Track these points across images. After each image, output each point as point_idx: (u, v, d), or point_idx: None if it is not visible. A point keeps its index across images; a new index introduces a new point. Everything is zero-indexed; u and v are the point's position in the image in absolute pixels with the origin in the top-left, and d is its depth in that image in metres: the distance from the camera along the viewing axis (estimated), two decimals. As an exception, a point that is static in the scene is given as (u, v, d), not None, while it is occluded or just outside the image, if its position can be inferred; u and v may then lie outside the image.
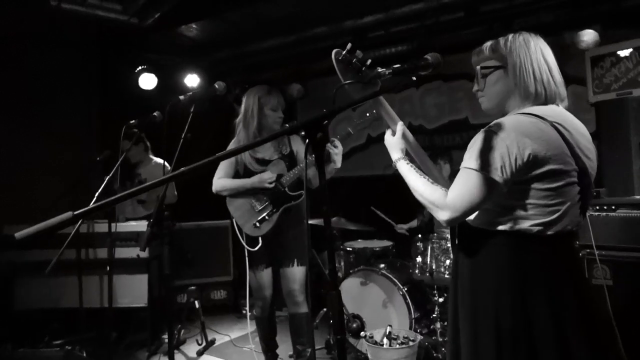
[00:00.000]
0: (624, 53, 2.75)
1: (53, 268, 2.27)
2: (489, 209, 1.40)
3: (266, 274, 2.90)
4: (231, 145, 2.90)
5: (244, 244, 2.83)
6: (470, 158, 1.35)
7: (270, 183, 2.77)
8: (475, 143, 1.36)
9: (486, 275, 1.41)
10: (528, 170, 1.31)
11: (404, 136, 1.63)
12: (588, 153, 1.41)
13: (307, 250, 2.91)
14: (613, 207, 2.55)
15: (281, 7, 3.88)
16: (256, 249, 2.79)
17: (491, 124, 1.38)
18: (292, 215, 2.84)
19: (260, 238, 2.79)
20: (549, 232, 1.35)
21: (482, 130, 1.38)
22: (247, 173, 2.84)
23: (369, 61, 1.45)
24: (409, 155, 1.62)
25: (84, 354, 3.28)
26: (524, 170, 1.31)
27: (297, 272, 2.83)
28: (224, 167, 2.89)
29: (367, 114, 2.53)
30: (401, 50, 4.34)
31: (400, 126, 1.62)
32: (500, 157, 1.30)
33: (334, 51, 1.45)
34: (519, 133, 1.30)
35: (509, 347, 1.34)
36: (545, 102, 1.42)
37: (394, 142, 1.61)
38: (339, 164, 2.54)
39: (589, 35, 3.33)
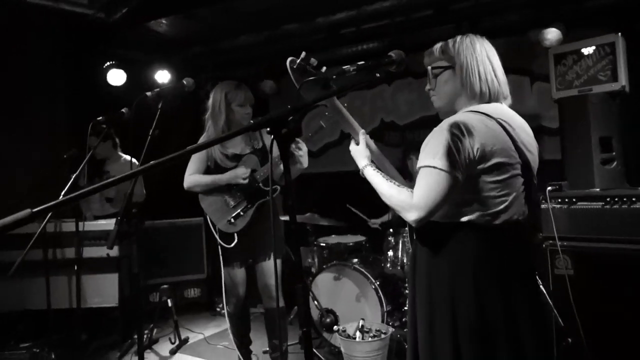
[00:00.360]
0: (586, 51, 2.83)
1: (17, 269, 2.21)
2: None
3: (240, 272, 2.88)
4: (201, 141, 2.86)
5: (219, 240, 2.79)
6: (427, 156, 1.42)
7: (245, 179, 2.75)
8: (430, 142, 1.44)
9: (441, 267, 1.48)
10: (477, 163, 1.40)
11: (368, 145, 1.69)
12: (530, 148, 1.52)
13: (276, 244, 2.90)
14: (574, 200, 2.64)
15: (253, 3, 3.86)
16: (232, 245, 2.76)
17: (442, 123, 1.46)
18: (266, 210, 2.82)
19: (235, 234, 2.76)
20: (496, 222, 1.44)
21: (434, 129, 1.46)
22: (218, 169, 2.82)
23: (324, 68, 1.49)
24: (373, 163, 1.68)
25: (53, 356, 3.21)
26: (474, 164, 1.40)
27: (272, 267, 2.82)
28: (194, 163, 2.86)
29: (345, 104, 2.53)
30: (373, 47, 4.37)
31: (362, 135, 1.69)
32: (455, 152, 1.37)
33: (288, 60, 1.50)
34: (468, 129, 1.39)
35: (465, 336, 1.41)
36: (490, 101, 1.51)
37: (359, 150, 1.67)
38: (305, 164, 2.57)
39: (552, 34, 3.44)
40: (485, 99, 1.50)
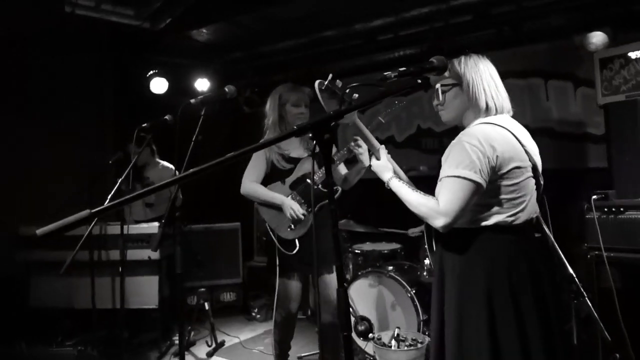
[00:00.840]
0: (634, 54, 2.74)
1: (67, 268, 2.32)
2: (469, 209, 1.57)
3: (296, 286, 2.74)
4: None
5: (280, 247, 2.65)
6: (450, 167, 1.55)
7: (296, 217, 2.60)
8: (451, 154, 1.58)
9: (474, 267, 1.58)
10: (498, 169, 1.54)
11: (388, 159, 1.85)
12: (534, 151, 1.67)
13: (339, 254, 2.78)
14: (621, 209, 2.54)
15: (292, 9, 3.92)
16: (294, 252, 2.62)
17: (460, 135, 1.59)
18: (324, 215, 2.68)
19: (297, 241, 2.63)
20: (517, 222, 1.58)
21: (452, 142, 1.59)
22: (275, 171, 2.74)
23: (348, 89, 1.62)
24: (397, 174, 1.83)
25: (96, 354, 3.33)
26: (494, 170, 1.54)
27: (334, 279, 2.67)
28: (255, 169, 2.76)
29: (396, 102, 2.46)
30: (410, 53, 4.35)
31: (383, 149, 1.86)
32: (477, 161, 1.50)
33: (316, 82, 1.63)
34: (486, 139, 1.53)
35: (505, 329, 1.51)
36: (497, 113, 1.66)
37: (382, 165, 1.83)
38: (366, 163, 2.45)
39: (598, 37, 3.32)
40: (492, 112, 1.64)
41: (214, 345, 3.87)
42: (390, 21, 4.07)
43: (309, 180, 2.69)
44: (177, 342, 3.41)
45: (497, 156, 1.52)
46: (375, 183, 2.57)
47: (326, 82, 1.57)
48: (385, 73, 1.39)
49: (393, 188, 1.74)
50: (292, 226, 2.65)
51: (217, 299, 4.77)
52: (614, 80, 2.79)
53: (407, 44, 4.34)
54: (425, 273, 3.47)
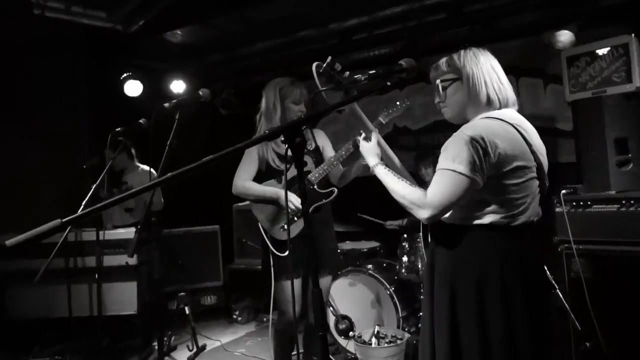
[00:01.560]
0: (601, 52, 2.82)
1: (42, 277, 2.28)
2: (464, 205, 1.51)
3: (295, 286, 2.57)
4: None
5: (272, 248, 2.55)
6: (446, 159, 1.47)
7: (294, 209, 2.50)
8: (450, 145, 1.49)
9: (466, 266, 1.52)
10: (498, 167, 1.45)
11: (379, 144, 1.75)
12: (541, 151, 1.59)
13: (334, 257, 2.70)
14: (589, 203, 2.63)
15: (267, 11, 3.92)
16: (285, 254, 2.51)
17: (462, 127, 1.50)
18: (321, 216, 2.64)
19: (289, 242, 2.52)
20: (515, 223, 1.50)
21: (454, 134, 1.50)
22: (269, 170, 2.62)
23: (347, 73, 1.54)
24: (384, 162, 1.73)
25: (74, 362, 3.29)
26: (494, 168, 1.45)
27: (327, 283, 2.65)
28: (247, 167, 2.63)
29: (398, 103, 2.46)
30: (385, 52, 4.40)
31: (375, 133, 1.75)
32: (474, 156, 1.42)
33: (314, 65, 1.54)
34: (489, 134, 1.44)
35: (496, 328, 1.47)
36: (501, 107, 1.58)
37: (370, 148, 1.73)
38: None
39: (564, 36, 3.42)
40: (496, 106, 1.56)
41: (195, 349, 3.84)
42: (364, 20, 4.11)
43: (315, 176, 2.58)
44: (157, 347, 3.38)
45: (499, 153, 1.43)
46: (354, 181, 2.61)
47: (324, 65, 1.49)
48: (355, 76, 1.40)
49: (378, 175, 1.66)
50: (285, 226, 2.55)
51: (198, 303, 4.74)
52: (581, 78, 2.87)
53: (382, 43, 4.38)
54: (403, 270, 3.51)
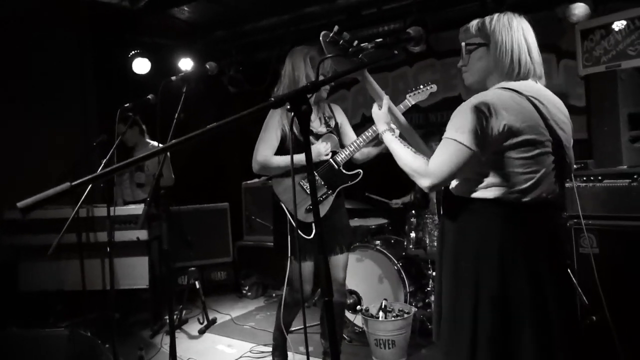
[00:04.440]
0: (617, 25, 2.76)
1: (54, 251, 2.33)
2: (470, 178, 1.49)
3: (309, 266, 2.60)
4: (272, 115, 2.54)
5: (299, 231, 2.49)
6: (450, 129, 1.45)
7: (327, 154, 2.51)
8: (457, 115, 1.46)
9: (468, 241, 1.50)
10: (504, 139, 1.40)
11: (391, 111, 1.73)
12: (563, 126, 1.50)
13: (349, 236, 2.70)
14: (599, 178, 2.60)
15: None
16: (312, 236, 2.47)
17: (472, 97, 1.46)
18: (342, 198, 2.62)
19: (313, 225, 2.46)
20: (525, 199, 1.44)
21: (463, 104, 1.46)
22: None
23: (356, 42, 1.50)
24: (394, 129, 1.71)
25: (89, 334, 3.36)
26: (500, 140, 1.40)
27: (343, 259, 2.66)
28: (268, 141, 2.54)
29: (421, 86, 2.45)
30: (394, 27, 4.33)
31: (386, 100, 1.72)
32: (477, 126, 1.38)
33: (322, 34, 1.51)
34: (496, 104, 1.39)
35: (485, 309, 1.43)
36: (519, 79, 1.50)
37: (381, 115, 1.72)
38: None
39: (579, 9, 3.33)
40: (513, 77, 1.50)
41: (205, 322, 3.92)
42: (373, -5, 4.04)
43: (332, 161, 2.56)
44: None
45: (504, 124, 1.37)
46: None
47: (331, 34, 1.47)
48: (362, 44, 1.38)
49: (385, 141, 1.66)
50: (310, 207, 2.48)
51: (209, 278, 4.81)
52: (595, 51, 2.82)
53: (391, 19, 4.31)
54: (411, 246, 3.53)
